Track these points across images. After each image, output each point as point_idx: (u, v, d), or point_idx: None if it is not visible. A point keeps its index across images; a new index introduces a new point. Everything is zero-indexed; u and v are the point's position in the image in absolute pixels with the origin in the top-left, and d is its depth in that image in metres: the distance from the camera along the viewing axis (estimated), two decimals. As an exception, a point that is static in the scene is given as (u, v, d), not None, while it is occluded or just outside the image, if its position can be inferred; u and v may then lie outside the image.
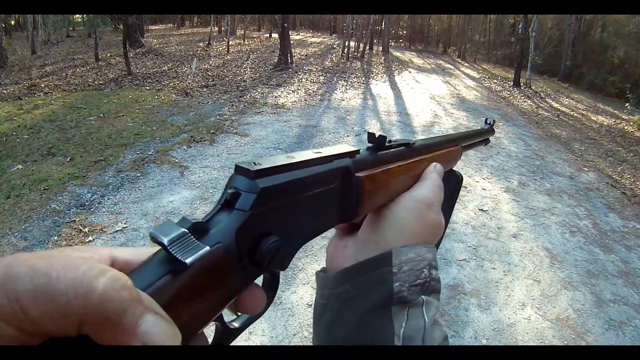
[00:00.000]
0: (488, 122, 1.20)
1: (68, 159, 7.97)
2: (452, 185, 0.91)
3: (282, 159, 0.52)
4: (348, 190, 0.61)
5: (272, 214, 0.49)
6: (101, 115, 10.74)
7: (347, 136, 10.69)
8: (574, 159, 11.98)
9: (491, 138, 1.16)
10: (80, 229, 5.75)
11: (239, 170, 0.48)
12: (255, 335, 4.12)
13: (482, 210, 7.60)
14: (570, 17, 36.43)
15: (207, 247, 0.40)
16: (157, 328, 0.32)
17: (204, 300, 0.41)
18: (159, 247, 0.39)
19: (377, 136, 0.70)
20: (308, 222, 0.56)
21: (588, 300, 5.57)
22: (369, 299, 0.60)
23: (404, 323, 0.58)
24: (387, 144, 0.72)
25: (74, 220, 5.96)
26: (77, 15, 26.30)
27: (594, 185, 10.07)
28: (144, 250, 0.42)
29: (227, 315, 0.49)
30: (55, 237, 5.59)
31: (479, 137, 1.13)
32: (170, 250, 0.37)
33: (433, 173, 0.77)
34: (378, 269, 0.61)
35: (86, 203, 6.47)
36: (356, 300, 0.61)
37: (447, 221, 0.85)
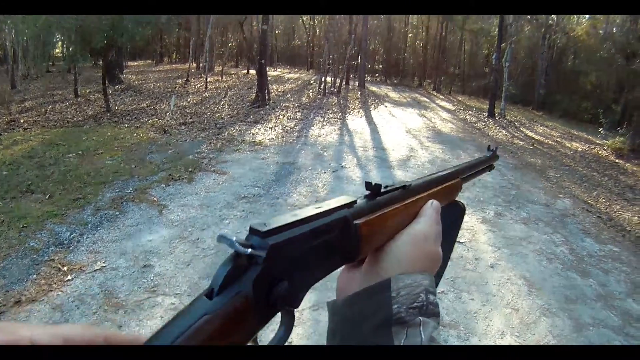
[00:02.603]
0: (491, 149, 1.29)
1: (47, 197, 7.99)
2: (455, 215, 1.02)
3: (287, 218, 0.60)
4: (347, 237, 0.69)
5: (282, 264, 0.57)
6: (80, 152, 10.76)
7: (324, 173, 10.77)
8: (549, 187, 12.17)
9: None
10: (59, 268, 5.77)
11: (252, 230, 0.56)
12: None
13: (458, 242, 7.64)
14: (543, 46, 36.99)
15: (230, 296, 0.51)
16: None
17: (234, 336, 0.52)
18: (78, 329, 0.45)
19: (373, 185, 0.77)
20: (314, 267, 0.65)
21: (567, 325, 5.69)
22: (371, 321, 0.66)
23: (403, 340, 0.63)
24: (383, 189, 0.79)
25: (53, 259, 5.99)
26: (57, 50, 26.22)
27: (569, 211, 10.25)
28: (62, 331, 0.43)
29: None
30: (34, 276, 5.60)
31: (481, 166, 1.21)
32: (203, 297, 0.50)
33: (429, 209, 0.84)
34: (379, 295, 0.68)
35: (65, 241, 6.49)
36: (360, 322, 0.68)
37: (450, 249, 0.98)
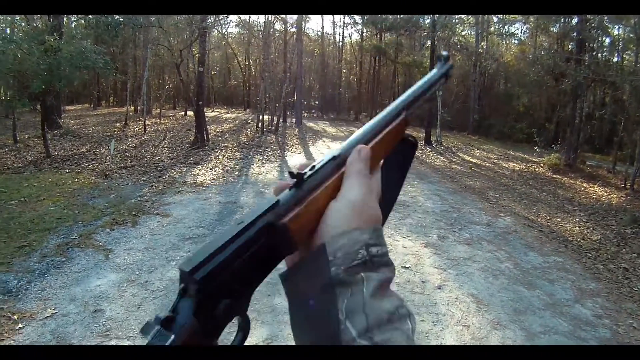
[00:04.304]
0: (440, 58, 1.08)
1: (-9, 245, 7.93)
2: (404, 153, 0.96)
3: (210, 246, 0.63)
4: (277, 238, 0.69)
5: (218, 288, 0.62)
6: (22, 199, 10.66)
7: (266, 211, 10.83)
8: (489, 207, 12.61)
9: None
10: (9, 316, 5.72)
11: (180, 271, 0.61)
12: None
13: (405, 267, 7.90)
14: (475, 73, 38.57)
15: (173, 336, 0.55)
16: None
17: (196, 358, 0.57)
18: None
19: (295, 174, 0.74)
20: (254, 275, 0.67)
21: (519, 335, 5.91)
22: (313, 287, 0.68)
23: (346, 299, 0.64)
24: (310, 171, 0.77)
25: (2, 308, 5.92)
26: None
27: (511, 228, 10.64)
28: None
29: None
30: None
31: (431, 83, 1.03)
32: (154, 344, 0.54)
33: (355, 164, 0.79)
34: (316, 261, 0.69)
35: (13, 290, 6.43)
36: (305, 290, 0.70)
37: (400, 186, 0.96)
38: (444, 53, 1.10)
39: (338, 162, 0.79)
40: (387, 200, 0.89)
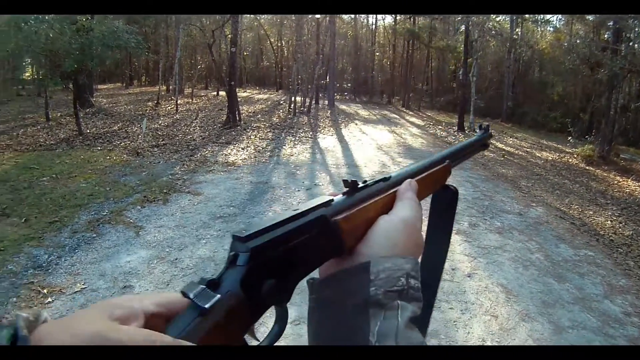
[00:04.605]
0: (483, 127, 1.30)
1: (23, 220, 7.94)
2: (446, 199, 1.03)
3: (266, 222, 0.64)
4: (327, 234, 0.71)
5: (266, 264, 0.62)
6: (54, 175, 10.72)
7: (298, 191, 10.87)
8: (521, 196, 12.34)
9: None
10: (39, 290, 5.73)
11: (234, 237, 0.62)
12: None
13: None
14: (509, 60, 37.69)
15: (218, 295, 0.56)
16: None
17: (228, 332, 0.57)
18: (178, 295, 0.58)
19: (350, 181, 0.79)
20: (299, 264, 0.68)
21: (547, 329, 5.74)
22: (348, 302, 0.67)
23: (379, 322, 0.63)
24: (361, 185, 0.81)
25: (32, 282, 5.94)
26: (27, 74, 25.94)
27: (543, 219, 10.38)
28: (165, 299, 0.58)
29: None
30: (14, 299, 5.55)
31: (473, 147, 1.22)
32: (195, 300, 0.54)
33: (407, 192, 0.84)
34: (357, 276, 0.69)
35: (43, 264, 6.45)
36: (337, 303, 0.69)
37: (449, 235, 1.04)
38: (486, 124, 1.31)
39: (389, 183, 0.86)
40: (435, 251, 1.02)
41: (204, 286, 0.56)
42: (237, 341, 0.60)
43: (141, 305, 0.55)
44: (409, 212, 0.80)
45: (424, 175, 0.94)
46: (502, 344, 5.29)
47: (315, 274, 0.75)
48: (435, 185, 1.00)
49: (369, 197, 0.80)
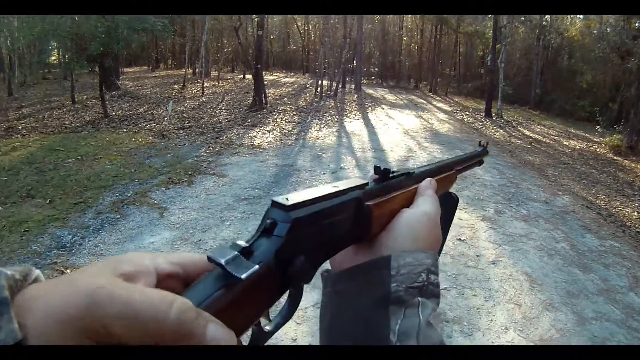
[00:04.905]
0: (482, 144, 1.31)
1: (47, 201, 7.97)
2: (449, 206, 1.01)
3: (307, 194, 0.61)
4: (360, 217, 0.69)
5: (301, 238, 0.58)
6: (79, 157, 10.77)
7: (324, 174, 10.80)
8: (548, 184, 12.17)
9: None
10: (62, 271, 5.74)
11: (275, 204, 0.57)
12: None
13: (460, 239, 7.68)
14: (538, 46, 37.08)
15: (257, 266, 0.49)
16: (219, 332, 0.43)
17: (252, 306, 0.52)
18: (193, 256, 0.53)
19: (382, 169, 0.78)
20: (327, 244, 0.65)
21: (570, 319, 5.65)
22: (367, 298, 0.65)
23: (400, 320, 0.61)
24: (390, 175, 0.80)
25: (56, 262, 5.96)
26: (53, 57, 26.14)
27: (569, 208, 10.24)
28: (179, 259, 0.52)
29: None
30: None
31: (473, 160, 1.22)
32: (227, 268, 0.47)
33: (429, 189, 0.84)
34: (377, 271, 0.66)
35: (67, 245, 6.46)
36: (355, 298, 0.66)
37: (444, 239, 0.96)
38: (483, 143, 1.32)
39: (412, 178, 0.86)
40: None
41: (237, 253, 0.50)
42: (257, 317, 0.54)
43: (153, 263, 0.49)
44: (431, 207, 0.79)
45: (439, 177, 0.95)
46: (524, 344, 5.21)
47: (326, 265, 0.73)
48: (444, 190, 1.00)
49: (396, 188, 0.80)
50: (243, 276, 0.47)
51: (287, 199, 0.58)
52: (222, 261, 0.48)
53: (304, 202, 0.59)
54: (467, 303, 5.77)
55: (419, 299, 0.64)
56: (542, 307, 5.88)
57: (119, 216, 7.57)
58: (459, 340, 5.00)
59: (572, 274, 6.94)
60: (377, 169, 0.79)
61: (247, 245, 0.52)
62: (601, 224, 9.43)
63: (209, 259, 0.49)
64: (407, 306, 0.63)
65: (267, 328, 0.58)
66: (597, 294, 6.41)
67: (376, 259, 0.68)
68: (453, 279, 6.29)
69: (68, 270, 5.75)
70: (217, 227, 7.36)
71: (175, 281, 0.50)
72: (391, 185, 0.79)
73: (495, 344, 4.99)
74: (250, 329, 0.55)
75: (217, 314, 0.45)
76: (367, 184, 0.74)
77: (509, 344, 5.02)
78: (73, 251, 6.32)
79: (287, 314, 0.60)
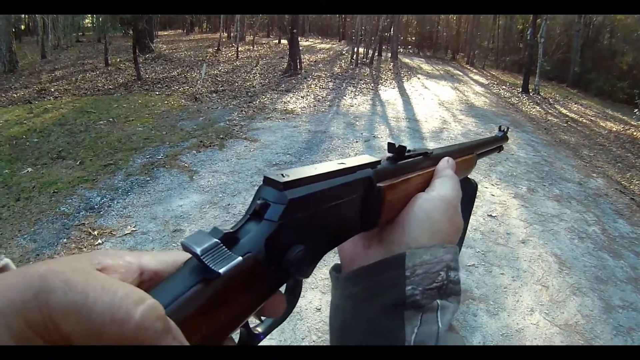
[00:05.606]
0: (502, 129, 1.20)
1: (78, 163, 8.00)
2: (469, 192, 0.90)
3: (307, 170, 0.53)
4: (370, 200, 0.61)
5: (299, 224, 0.50)
6: (111, 119, 10.80)
7: (356, 142, 10.66)
8: (582, 165, 11.91)
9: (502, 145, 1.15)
10: (90, 232, 5.77)
11: (267, 181, 0.49)
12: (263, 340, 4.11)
13: (491, 216, 7.56)
14: (579, 23, 36.29)
15: (240, 258, 0.41)
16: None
17: (234, 306, 0.42)
18: (189, 255, 0.41)
19: (397, 146, 0.70)
20: (331, 232, 0.57)
21: (597, 306, 5.54)
22: (379, 303, 0.58)
23: (417, 328, 0.56)
24: (406, 154, 0.71)
25: (83, 223, 6.00)
26: (87, 20, 26.33)
27: (602, 191, 10.01)
28: (172, 257, 0.43)
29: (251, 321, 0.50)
30: (65, 240, 5.61)
31: (493, 145, 1.13)
32: (203, 259, 0.39)
33: (447, 169, 0.76)
34: (390, 272, 0.60)
35: (95, 206, 6.50)
36: (367, 303, 0.60)
37: (465, 227, 0.86)
38: (504, 128, 1.20)
39: (431, 159, 0.77)
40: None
41: (217, 240, 0.42)
42: (242, 318, 0.45)
43: (138, 260, 0.42)
44: (449, 191, 0.71)
45: (459, 160, 0.85)
46: (547, 344, 5.14)
47: (336, 259, 0.70)
48: (463, 174, 0.90)
49: (412, 169, 0.72)
50: (221, 271, 0.40)
51: (283, 175, 0.50)
52: (198, 250, 0.40)
53: (303, 179, 0.51)
54: (495, 281, 5.72)
55: (438, 301, 0.58)
56: (569, 290, 5.80)
57: (148, 178, 7.57)
58: (484, 319, 4.96)
59: (602, 259, 6.82)
60: (391, 146, 0.70)
61: (231, 231, 0.45)
62: (634, 210, 9.21)
63: (183, 246, 0.41)
64: (424, 311, 0.57)
65: (258, 329, 0.53)
66: (625, 281, 6.28)
67: (388, 259, 0.61)
68: (482, 256, 6.22)
69: (95, 232, 5.78)
70: (246, 191, 7.31)
71: None
72: (407, 165, 0.71)
73: (520, 325, 4.94)
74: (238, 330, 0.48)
75: (190, 319, 0.37)
76: (379, 161, 0.66)
77: (534, 326, 4.96)
78: (101, 213, 6.36)
79: (283, 316, 0.54)
